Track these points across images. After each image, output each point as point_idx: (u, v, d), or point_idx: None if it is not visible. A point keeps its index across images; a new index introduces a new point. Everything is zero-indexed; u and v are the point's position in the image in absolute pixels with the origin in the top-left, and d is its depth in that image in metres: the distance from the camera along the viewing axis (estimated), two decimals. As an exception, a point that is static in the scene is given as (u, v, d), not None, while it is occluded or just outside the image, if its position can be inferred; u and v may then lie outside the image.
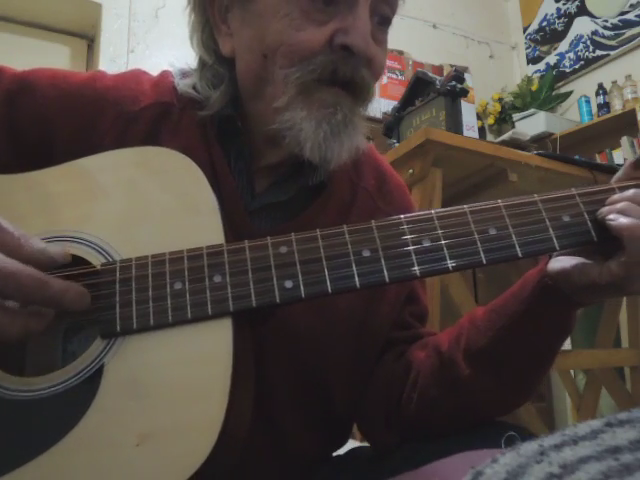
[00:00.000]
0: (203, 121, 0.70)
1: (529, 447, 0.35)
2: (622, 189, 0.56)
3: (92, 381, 0.51)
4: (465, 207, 0.57)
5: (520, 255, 0.54)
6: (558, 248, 0.55)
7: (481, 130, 3.31)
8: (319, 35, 0.63)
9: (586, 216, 0.56)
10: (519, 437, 0.60)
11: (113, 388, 0.51)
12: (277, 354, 0.67)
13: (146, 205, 0.59)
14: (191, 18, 0.72)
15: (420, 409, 0.67)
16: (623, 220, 0.52)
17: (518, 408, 0.68)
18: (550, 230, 0.55)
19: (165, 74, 0.75)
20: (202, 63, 0.72)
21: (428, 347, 0.70)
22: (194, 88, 0.71)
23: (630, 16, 3.22)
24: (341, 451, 0.80)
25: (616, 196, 0.55)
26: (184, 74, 0.73)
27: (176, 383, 0.50)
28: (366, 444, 0.77)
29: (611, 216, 0.54)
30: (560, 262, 0.58)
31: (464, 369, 0.63)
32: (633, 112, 2.92)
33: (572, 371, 2.42)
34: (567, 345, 2.89)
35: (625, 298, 2.15)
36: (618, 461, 0.32)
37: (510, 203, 0.57)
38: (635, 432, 0.34)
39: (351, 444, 0.80)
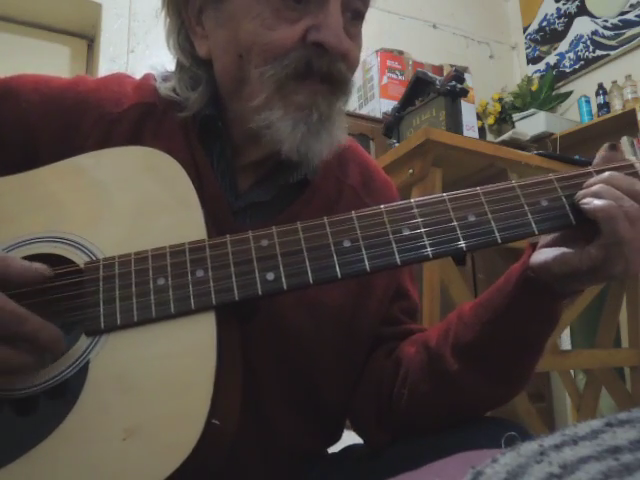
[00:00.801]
0: (185, 122, 0.71)
1: (529, 447, 0.35)
2: (599, 173, 0.57)
3: (78, 378, 0.52)
4: (444, 195, 0.58)
5: (499, 240, 0.55)
6: (537, 232, 0.56)
7: (481, 130, 3.31)
8: (292, 32, 0.63)
9: (564, 200, 0.57)
10: (519, 437, 0.60)
11: (99, 384, 0.51)
12: (266, 351, 0.67)
13: (129, 204, 0.60)
14: (166, 21, 0.73)
15: (411, 405, 0.67)
16: (597, 202, 0.53)
17: (508, 402, 0.69)
18: (529, 215, 0.56)
19: (147, 77, 0.76)
20: (180, 66, 0.73)
21: (417, 343, 0.70)
22: (174, 91, 0.71)
23: (630, 16, 3.21)
24: (337, 446, 0.80)
25: (592, 179, 0.56)
26: (165, 78, 0.74)
27: (161, 377, 0.51)
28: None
29: (585, 200, 0.55)
30: (542, 254, 0.58)
31: (453, 364, 0.63)
32: (633, 112, 2.92)
33: (572, 371, 2.42)
34: (567, 345, 2.89)
35: (625, 298, 2.14)
36: (618, 461, 0.32)
37: (488, 190, 0.58)
38: (635, 432, 0.34)
39: (347, 435, 0.80)
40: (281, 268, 0.55)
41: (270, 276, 0.54)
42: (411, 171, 1.66)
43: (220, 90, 0.71)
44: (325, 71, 0.64)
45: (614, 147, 0.59)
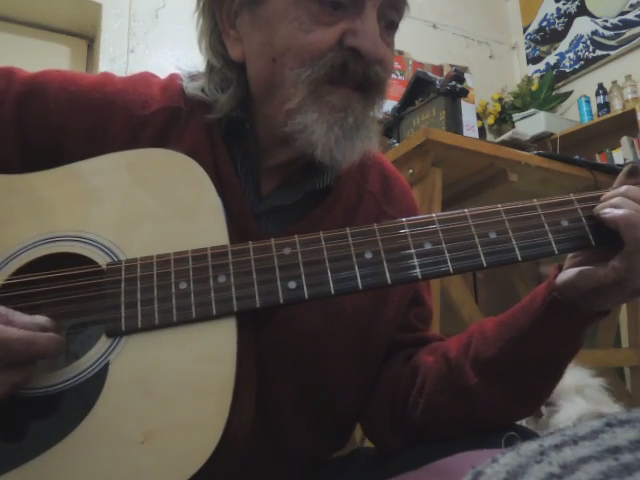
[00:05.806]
0: (210, 123, 0.70)
1: (529, 447, 0.35)
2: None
3: (97, 379, 0.52)
4: (466, 211, 0.58)
5: (520, 259, 0.55)
6: (557, 252, 0.56)
7: (481, 130, 3.31)
8: (329, 35, 0.63)
9: (584, 221, 0.57)
10: (519, 437, 0.60)
11: (118, 386, 0.51)
12: (280, 355, 0.67)
13: (150, 206, 0.60)
14: (199, 22, 0.72)
15: (426, 414, 0.67)
16: (617, 211, 0.54)
17: (524, 418, 0.68)
18: (549, 234, 0.56)
19: (173, 77, 0.75)
20: (210, 67, 0.72)
21: (437, 352, 0.70)
22: (202, 91, 0.71)
23: (630, 16, 3.21)
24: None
25: (608, 193, 0.57)
26: (192, 77, 0.73)
27: (181, 382, 0.51)
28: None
29: (606, 210, 0.55)
30: (567, 272, 0.59)
31: (472, 378, 0.63)
32: (633, 112, 2.92)
33: (572, 371, 2.42)
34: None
35: (625, 298, 2.14)
36: (618, 461, 0.32)
37: (510, 207, 0.58)
38: (635, 432, 0.34)
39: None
40: (303, 277, 0.55)
41: (292, 285, 0.55)
42: (411, 171, 1.66)
43: (252, 93, 0.70)
44: (360, 76, 0.64)
45: (634, 173, 0.58)
